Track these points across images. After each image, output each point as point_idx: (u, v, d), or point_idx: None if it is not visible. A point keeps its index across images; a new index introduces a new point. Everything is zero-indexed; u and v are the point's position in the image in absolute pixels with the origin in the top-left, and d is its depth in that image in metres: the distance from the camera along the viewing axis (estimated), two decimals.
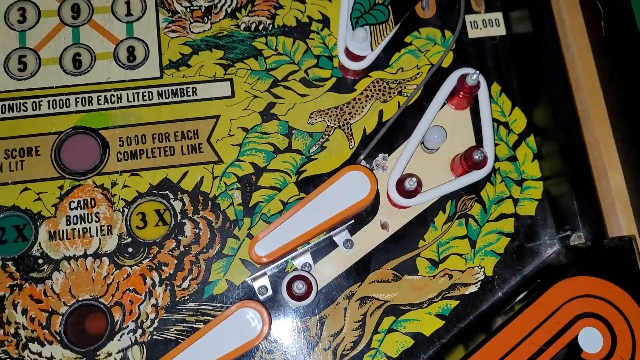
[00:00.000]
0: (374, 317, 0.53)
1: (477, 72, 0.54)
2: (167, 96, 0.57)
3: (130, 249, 0.53)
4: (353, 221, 0.54)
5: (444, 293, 0.54)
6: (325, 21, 0.59)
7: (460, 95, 0.56)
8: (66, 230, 0.53)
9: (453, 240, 0.55)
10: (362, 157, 0.55)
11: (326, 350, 0.52)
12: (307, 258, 0.54)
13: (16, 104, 0.56)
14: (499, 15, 0.61)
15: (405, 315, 0.53)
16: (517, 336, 0.47)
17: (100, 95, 0.56)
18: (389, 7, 0.55)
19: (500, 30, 0.60)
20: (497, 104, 0.58)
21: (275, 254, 0.51)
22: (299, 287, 0.49)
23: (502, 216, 0.56)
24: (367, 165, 0.56)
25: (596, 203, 0.52)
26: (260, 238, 0.51)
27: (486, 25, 0.60)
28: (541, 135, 0.57)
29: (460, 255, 0.55)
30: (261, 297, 0.53)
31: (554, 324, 0.46)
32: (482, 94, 0.56)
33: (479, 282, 0.54)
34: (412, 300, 0.54)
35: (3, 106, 0.56)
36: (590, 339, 0.45)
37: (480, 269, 0.55)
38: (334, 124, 0.57)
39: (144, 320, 0.52)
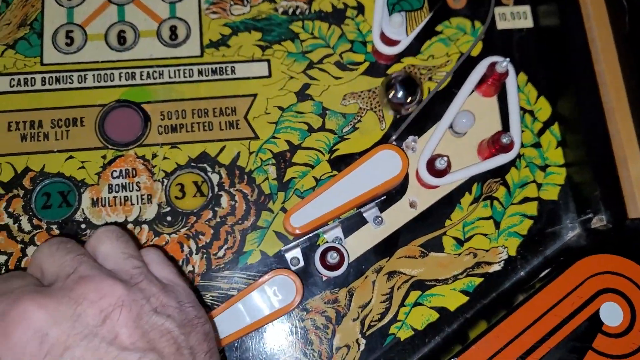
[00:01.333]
0: (401, 291, 0.55)
1: (507, 59, 0.56)
2: (207, 74, 0.59)
3: (169, 218, 0.55)
4: (385, 197, 0.56)
5: (468, 270, 0.56)
6: (360, 8, 0.62)
7: (489, 82, 0.59)
8: (108, 197, 0.55)
9: (478, 220, 0.57)
10: (394, 137, 0.58)
11: (355, 321, 0.54)
12: (338, 232, 0.56)
13: (63, 76, 0.58)
14: (526, 9, 0.63)
15: (431, 290, 0.55)
16: (540, 309, 0.49)
17: (143, 71, 0.59)
18: None
19: (528, 23, 0.63)
20: (523, 92, 0.61)
21: (309, 227, 0.53)
22: (333, 257, 0.52)
23: (525, 199, 0.58)
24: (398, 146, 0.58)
25: (618, 188, 0.54)
26: (295, 210, 0.53)
27: (514, 17, 0.63)
28: (565, 124, 0.60)
29: (485, 235, 0.57)
30: (293, 268, 0.55)
31: (576, 298, 0.48)
32: (510, 82, 0.58)
33: (503, 262, 0.56)
34: (437, 277, 0.56)
35: (50, 78, 0.58)
36: (611, 313, 0.48)
37: (504, 249, 0.57)
38: (367, 106, 0.59)
39: None
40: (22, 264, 0.53)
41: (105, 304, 0.33)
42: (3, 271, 0.53)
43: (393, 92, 0.56)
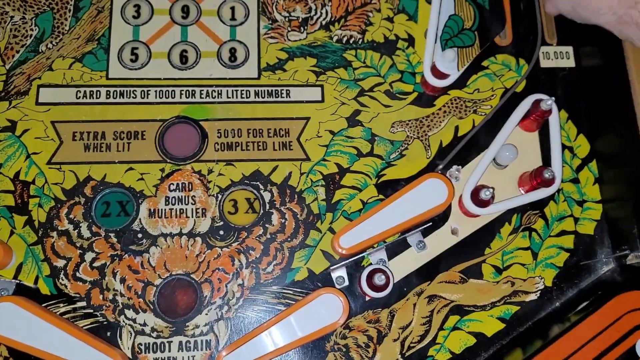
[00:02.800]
0: (440, 315, 0.57)
1: (552, 98, 0.58)
2: (263, 96, 0.62)
3: (221, 232, 0.58)
4: (431, 223, 0.58)
5: (506, 298, 0.58)
6: (411, 40, 0.65)
7: (532, 118, 0.61)
8: (165, 209, 0.58)
9: (517, 250, 0.60)
10: (440, 166, 0.60)
11: (395, 341, 0.56)
12: (382, 254, 0.58)
13: (127, 91, 0.61)
14: (569, 49, 0.66)
15: (469, 315, 0.57)
16: (578, 342, 0.51)
17: (203, 90, 0.62)
18: (476, 32, 0.60)
19: (570, 63, 0.65)
20: (563, 129, 0.63)
21: (356, 248, 0.56)
22: (380, 279, 0.54)
23: (562, 232, 0.60)
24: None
25: None
26: (345, 232, 0.56)
27: (557, 56, 0.66)
28: (603, 161, 0.62)
29: (523, 265, 0.59)
30: (338, 287, 0.57)
31: (613, 332, 0.50)
32: (553, 119, 0.61)
33: (539, 291, 0.59)
34: (476, 302, 0.58)
35: (115, 92, 0.61)
36: None
37: (541, 279, 0.59)
38: (414, 135, 0.62)
39: (230, 298, 0.56)
40: (80, 270, 0.56)
41: None
42: (61, 276, 0.56)
43: None
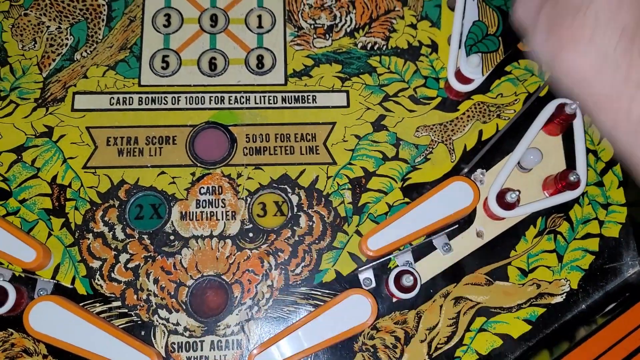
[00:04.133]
0: (466, 316, 0.58)
1: (577, 102, 0.59)
2: (290, 101, 0.63)
3: (250, 234, 0.59)
4: (457, 226, 0.59)
5: (531, 300, 0.59)
6: (434, 46, 0.66)
7: (556, 122, 0.62)
8: (195, 212, 0.60)
9: (542, 253, 0.60)
10: (465, 170, 0.61)
11: (422, 342, 0.57)
12: (408, 256, 0.59)
13: (158, 97, 0.63)
14: None
15: (496, 317, 0.58)
16: (606, 343, 0.52)
17: (231, 96, 0.63)
18: (500, 37, 0.61)
19: None
20: (587, 133, 0.64)
21: (383, 250, 0.57)
22: (408, 280, 0.55)
23: (587, 235, 0.61)
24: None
25: None
26: (372, 234, 0.57)
27: None
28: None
29: (548, 267, 0.60)
30: (365, 288, 0.58)
31: None
32: (578, 123, 0.61)
33: (565, 294, 0.59)
34: (502, 304, 0.58)
35: (147, 98, 0.63)
36: None
37: (566, 281, 0.59)
38: (438, 139, 0.63)
39: (260, 299, 0.58)
40: (115, 271, 0.58)
41: None
42: (97, 276, 0.57)
43: None
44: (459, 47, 0.61)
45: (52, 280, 0.56)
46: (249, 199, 0.60)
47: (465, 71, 0.60)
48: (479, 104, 0.64)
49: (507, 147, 0.62)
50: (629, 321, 0.51)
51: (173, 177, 0.60)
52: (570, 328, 0.57)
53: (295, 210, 0.60)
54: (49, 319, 0.53)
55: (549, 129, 0.63)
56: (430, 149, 0.63)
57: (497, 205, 0.58)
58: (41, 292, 0.56)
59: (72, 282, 0.57)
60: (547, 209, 0.61)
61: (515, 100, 0.65)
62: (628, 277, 0.60)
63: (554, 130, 0.63)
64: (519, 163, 0.62)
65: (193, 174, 0.61)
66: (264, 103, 0.63)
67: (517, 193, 0.57)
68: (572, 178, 0.58)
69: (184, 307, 0.57)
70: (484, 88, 0.64)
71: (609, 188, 0.63)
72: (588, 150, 0.63)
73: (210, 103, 0.63)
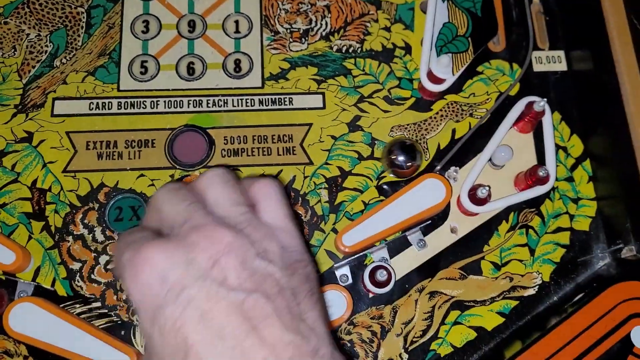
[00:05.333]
0: (441, 310, 0.59)
1: (545, 100, 0.61)
2: (267, 104, 0.65)
3: None
4: (430, 222, 0.60)
5: (504, 293, 0.60)
6: (408, 48, 0.67)
7: (526, 120, 0.63)
8: None
9: (514, 247, 0.62)
10: (438, 167, 0.63)
11: (398, 336, 0.58)
12: (384, 253, 0.60)
13: (137, 101, 0.64)
14: (561, 53, 0.68)
15: (470, 310, 0.59)
16: (573, 331, 0.53)
17: (209, 99, 0.65)
18: (469, 38, 0.63)
19: (562, 66, 0.68)
20: (557, 130, 0.66)
21: (358, 246, 0.58)
22: (382, 275, 0.56)
23: (559, 229, 0.62)
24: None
25: None
26: (347, 231, 0.58)
27: (549, 61, 0.68)
28: (596, 160, 0.64)
29: (521, 261, 0.61)
30: (342, 284, 0.59)
31: (608, 321, 0.52)
32: (547, 120, 0.63)
33: (537, 286, 0.60)
34: (476, 298, 0.60)
35: (126, 103, 0.64)
36: None
37: (538, 274, 0.61)
38: (412, 138, 0.64)
39: None
40: (95, 272, 0.58)
41: (214, 250, 0.37)
42: (77, 278, 0.58)
43: (394, 156, 0.60)
44: (430, 49, 0.63)
45: (32, 283, 0.57)
46: None
47: (436, 71, 0.61)
48: (452, 104, 0.66)
49: (480, 145, 0.64)
50: (596, 309, 0.53)
51: (152, 180, 0.62)
52: (542, 319, 0.59)
53: None
54: (29, 320, 0.53)
55: (521, 127, 0.65)
56: None
57: (469, 201, 0.60)
58: (22, 294, 0.56)
59: (53, 284, 0.58)
60: (519, 204, 0.62)
61: (487, 99, 0.66)
62: (598, 269, 0.61)
63: (525, 127, 0.65)
64: (490, 160, 0.63)
65: (172, 177, 0.62)
66: (242, 106, 0.65)
67: (488, 188, 0.58)
68: (541, 173, 0.60)
69: None
70: (456, 88, 0.66)
71: (579, 183, 0.64)
72: (558, 147, 0.65)
73: (188, 106, 0.64)
